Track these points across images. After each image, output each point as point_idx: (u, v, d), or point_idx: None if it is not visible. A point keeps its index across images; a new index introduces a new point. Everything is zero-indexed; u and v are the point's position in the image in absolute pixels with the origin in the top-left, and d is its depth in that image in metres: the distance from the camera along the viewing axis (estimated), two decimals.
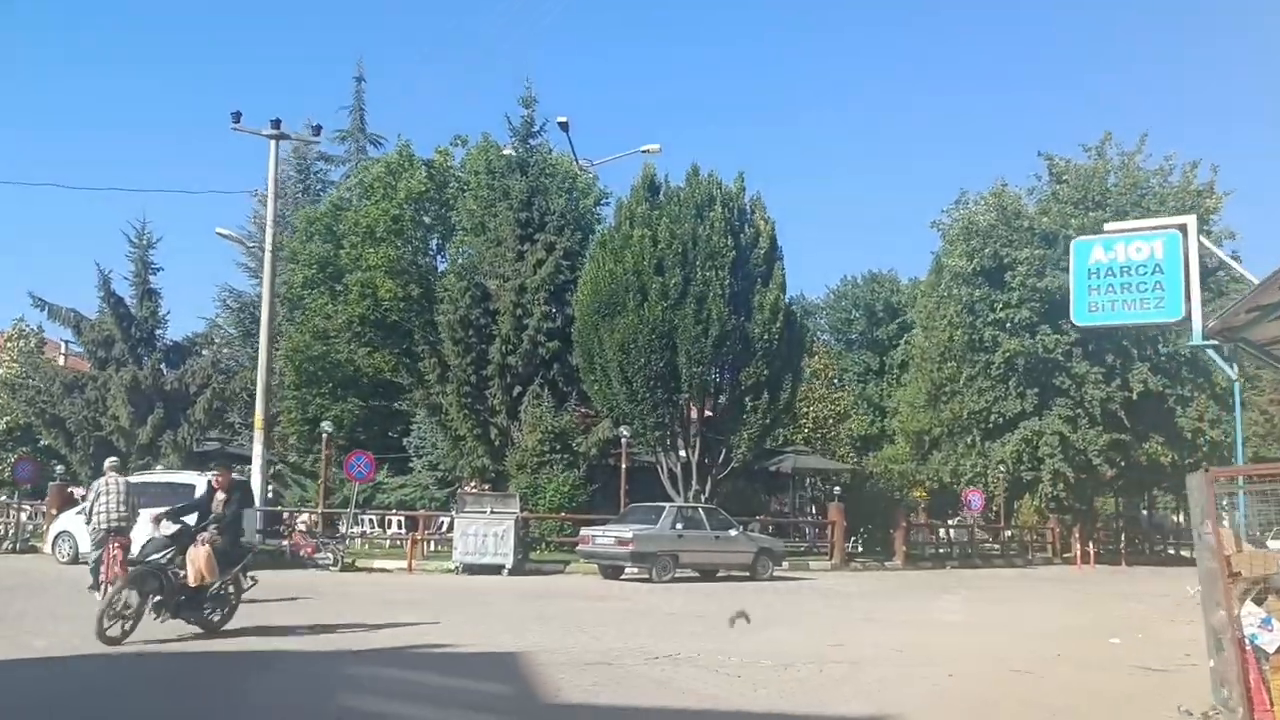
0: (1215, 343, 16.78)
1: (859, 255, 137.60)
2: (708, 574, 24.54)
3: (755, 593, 20.98)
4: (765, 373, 28.55)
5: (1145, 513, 49.34)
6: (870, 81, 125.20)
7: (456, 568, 24.47)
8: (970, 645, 13.20)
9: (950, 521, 40.33)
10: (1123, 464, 39.56)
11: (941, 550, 36.62)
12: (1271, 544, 9.50)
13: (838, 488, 32.38)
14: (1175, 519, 56.27)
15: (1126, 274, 16.73)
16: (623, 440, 28.05)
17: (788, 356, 29.42)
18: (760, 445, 30.61)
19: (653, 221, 28.88)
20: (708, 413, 30.21)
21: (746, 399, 28.86)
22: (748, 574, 24.48)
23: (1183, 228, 16.57)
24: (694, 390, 28.61)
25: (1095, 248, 17.29)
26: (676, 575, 23.19)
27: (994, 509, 40.14)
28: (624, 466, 27.81)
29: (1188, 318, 16.43)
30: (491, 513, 24.81)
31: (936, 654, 12.26)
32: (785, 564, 26.30)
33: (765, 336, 28.42)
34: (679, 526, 23.65)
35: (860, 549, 35.04)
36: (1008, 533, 39.57)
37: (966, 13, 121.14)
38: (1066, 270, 40.26)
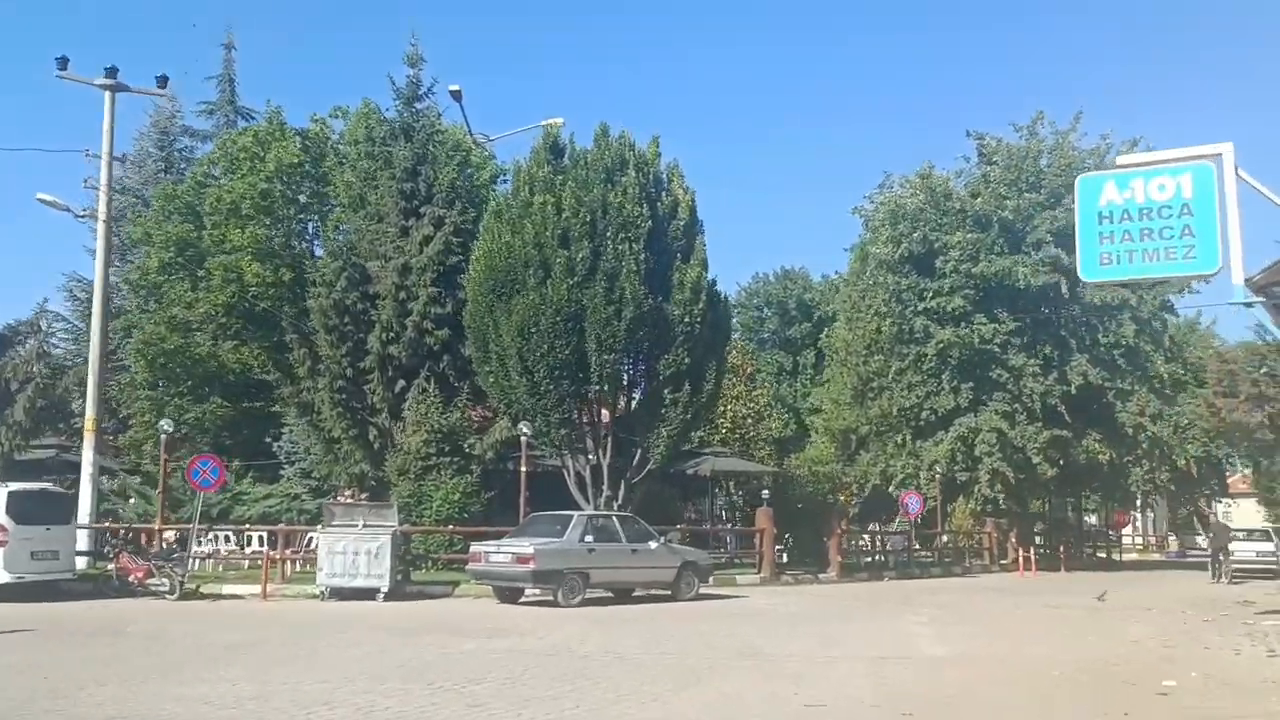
0: (1260, 300, 13.65)
1: (770, 253, 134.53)
2: (623, 594, 20.84)
3: (682, 618, 17.30)
4: (686, 361, 24.91)
5: (1072, 514, 47.08)
6: (782, 77, 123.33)
7: (321, 592, 20.34)
8: (993, 698, 9.72)
9: (885, 527, 37.15)
10: (1061, 463, 37.00)
11: (877, 559, 33.41)
12: None
13: (766, 490, 28.89)
14: (1090, 520, 54.36)
15: (1147, 217, 13.48)
16: (522, 439, 24.10)
17: (711, 342, 25.84)
18: (680, 444, 27.02)
19: (556, 187, 25.04)
20: (620, 408, 26.54)
21: (665, 391, 25.21)
22: (669, 593, 20.85)
23: (1216, 158, 13.35)
24: (605, 381, 24.86)
25: (1107, 185, 13.97)
26: (587, 596, 19.43)
27: (924, 512, 37.29)
28: (524, 470, 23.83)
29: (1225, 269, 13.24)
30: (364, 526, 20.69)
31: (961, 717, 8.73)
32: (711, 580, 22.72)
33: (686, 319, 24.80)
34: (589, 539, 19.85)
35: (786, 559, 31.78)
36: (944, 538, 36.62)
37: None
38: (1002, 254, 38.04)
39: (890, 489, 37.12)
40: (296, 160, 34.34)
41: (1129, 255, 13.61)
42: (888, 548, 33.99)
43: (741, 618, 17.91)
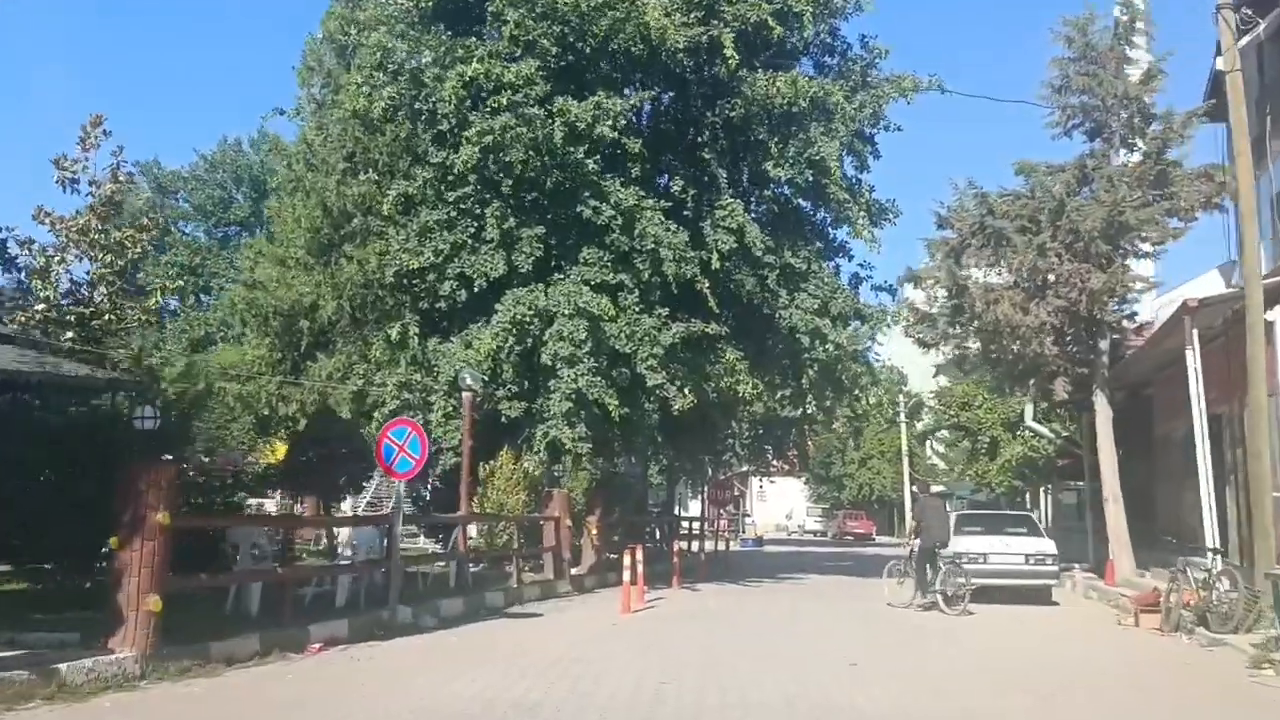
0: None
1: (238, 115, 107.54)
2: None
3: None
4: None
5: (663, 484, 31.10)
6: None
7: None
8: None
9: (344, 505, 17.90)
10: (688, 391, 20.14)
11: (310, 588, 13.71)
12: None
13: None
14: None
15: None
16: None
17: None
18: None
19: None
20: None
21: None
22: None
23: None
24: None
25: None
26: None
27: (438, 472, 19.27)
28: None
29: None
30: None
31: None
32: None
33: None
34: None
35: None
36: (470, 531, 18.05)
37: None
38: None
39: (370, 426, 18.44)
40: None
41: None
42: (340, 553, 14.77)
43: None
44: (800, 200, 22.32)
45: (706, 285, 19.25)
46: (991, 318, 18.80)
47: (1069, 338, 19.95)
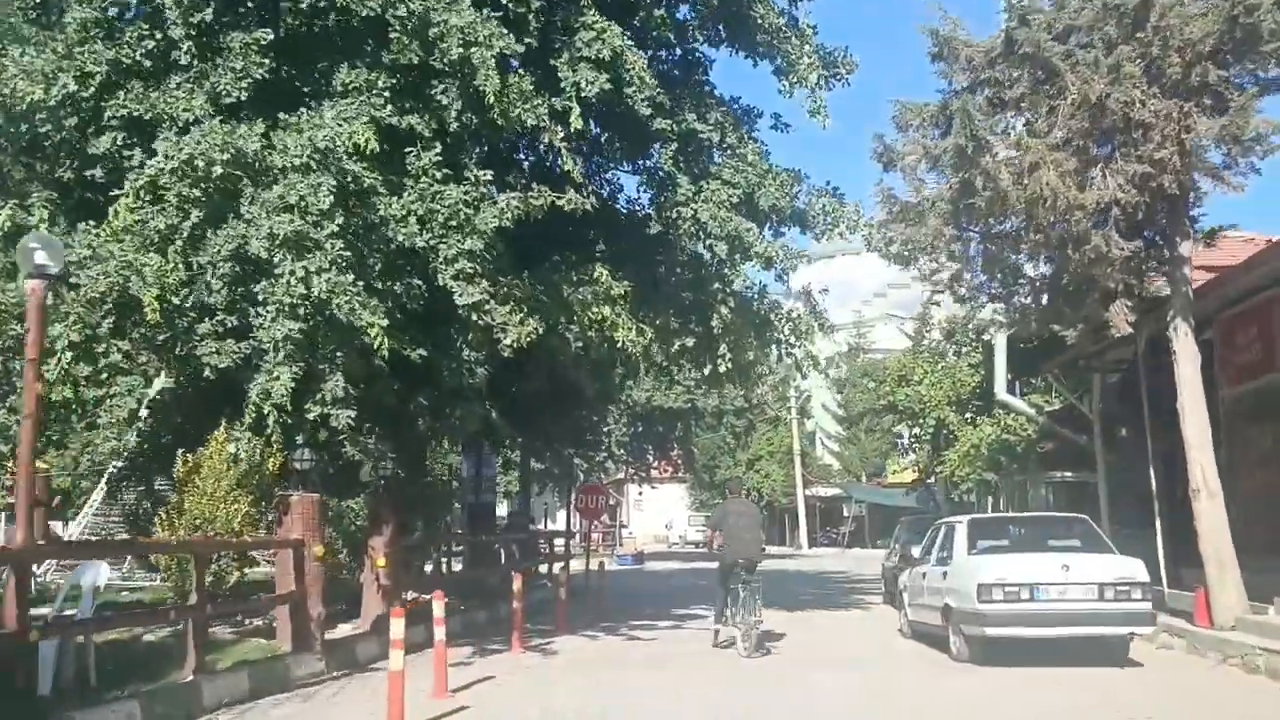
0: None
1: None
2: None
3: None
4: None
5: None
6: None
7: None
8: None
9: None
10: (534, 320, 12.05)
11: None
12: None
13: None
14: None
15: None
16: None
17: None
18: None
19: None
20: None
21: None
22: None
23: None
24: None
25: None
26: None
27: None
28: None
29: None
30: None
31: None
32: None
33: None
34: None
35: None
36: (106, 575, 9.71)
37: None
38: None
39: None
40: None
41: None
42: None
43: None
44: (705, 45, 14.70)
45: (560, 136, 11.29)
46: (1030, 194, 11.30)
47: (1125, 230, 12.62)
